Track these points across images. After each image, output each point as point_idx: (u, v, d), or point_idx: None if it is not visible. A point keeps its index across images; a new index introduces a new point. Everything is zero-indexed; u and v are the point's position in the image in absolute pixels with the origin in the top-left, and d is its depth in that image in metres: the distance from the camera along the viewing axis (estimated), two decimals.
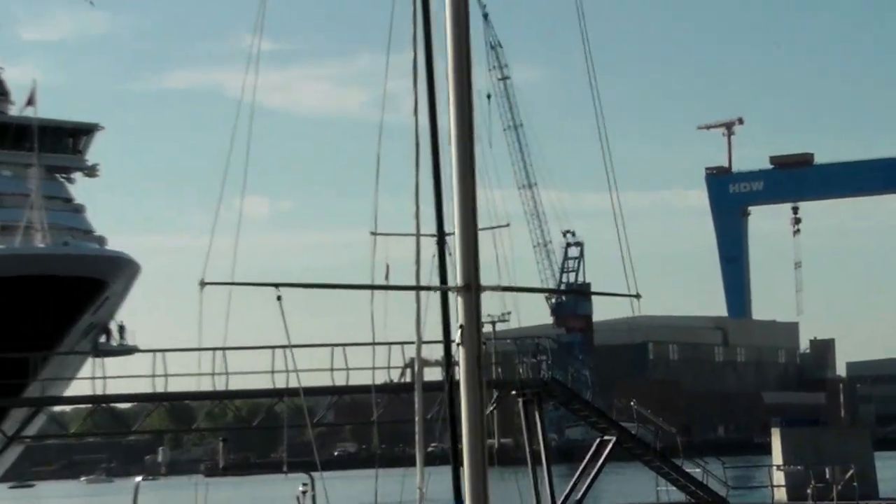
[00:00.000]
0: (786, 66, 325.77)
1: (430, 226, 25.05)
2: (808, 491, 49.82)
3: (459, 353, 12.88)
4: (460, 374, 12.88)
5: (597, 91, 15.89)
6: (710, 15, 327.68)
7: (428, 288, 18.16)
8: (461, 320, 12.97)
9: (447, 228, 25.49)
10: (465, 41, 13.39)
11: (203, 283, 14.89)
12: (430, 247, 23.77)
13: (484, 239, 23.98)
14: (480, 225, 23.13)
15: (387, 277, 23.31)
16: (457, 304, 13.10)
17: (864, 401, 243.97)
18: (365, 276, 22.50)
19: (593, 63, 15.44)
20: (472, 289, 12.93)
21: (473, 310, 12.88)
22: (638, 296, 15.71)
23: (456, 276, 13.20)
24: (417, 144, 22.26)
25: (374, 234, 23.06)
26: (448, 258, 25.39)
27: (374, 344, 43.99)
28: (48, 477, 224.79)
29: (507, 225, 24.70)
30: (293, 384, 48.67)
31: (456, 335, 12.90)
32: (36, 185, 69.99)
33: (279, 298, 14.45)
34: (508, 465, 37.57)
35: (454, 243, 13.37)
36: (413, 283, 22.24)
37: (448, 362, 28.49)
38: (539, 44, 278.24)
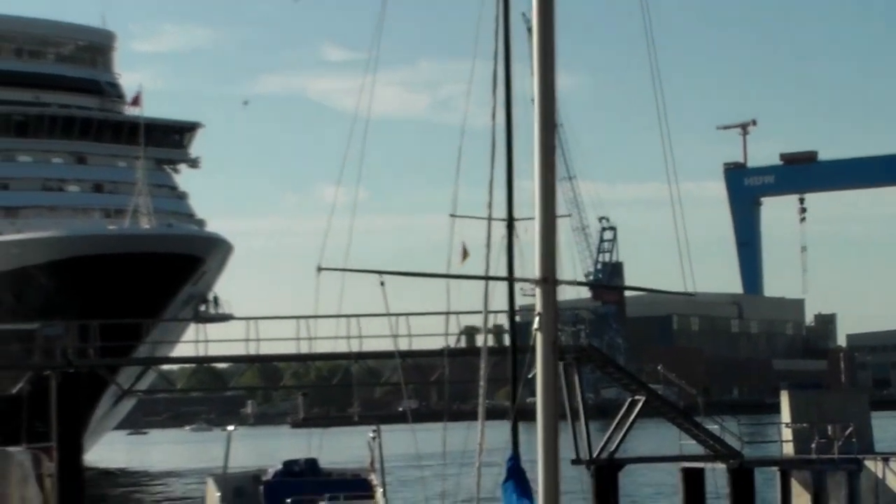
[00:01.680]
0: (795, 72, 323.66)
1: (502, 212, 25.10)
2: (812, 446, 49.43)
3: (537, 338, 12.80)
4: (538, 357, 12.88)
5: (661, 95, 15.68)
6: (728, 23, 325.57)
7: (505, 279, 18.16)
8: (539, 309, 12.83)
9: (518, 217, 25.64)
10: (550, 46, 13.24)
11: (320, 269, 15.22)
12: (501, 230, 23.77)
13: (530, 226, 23.93)
14: (531, 214, 23.05)
15: (465, 256, 23.48)
16: (535, 294, 13.02)
17: (861, 367, 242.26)
18: (433, 255, 22.65)
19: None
20: (550, 282, 12.82)
21: (550, 301, 12.79)
22: (693, 294, 15.48)
23: (516, 260, 13.16)
24: (494, 138, 22.59)
25: (452, 216, 23.33)
26: (514, 242, 25.45)
27: (447, 313, 44.18)
28: (157, 426, 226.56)
29: (569, 215, 24.78)
30: (366, 349, 48.83)
31: (535, 321, 12.79)
32: (143, 174, 70.40)
33: (382, 284, 15.17)
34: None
35: (530, 235, 13.26)
36: (486, 264, 22.40)
37: (513, 334, 28.50)
38: (579, 53, 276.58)
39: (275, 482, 24.41)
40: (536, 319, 12.82)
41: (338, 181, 16.89)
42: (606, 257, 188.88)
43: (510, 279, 21.18)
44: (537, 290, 12.85)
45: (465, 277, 17.39)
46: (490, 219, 23.69)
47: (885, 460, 47.79)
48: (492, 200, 23.62)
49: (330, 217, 16.42)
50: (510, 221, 25.74)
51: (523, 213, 25.83)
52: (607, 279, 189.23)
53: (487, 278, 16.63)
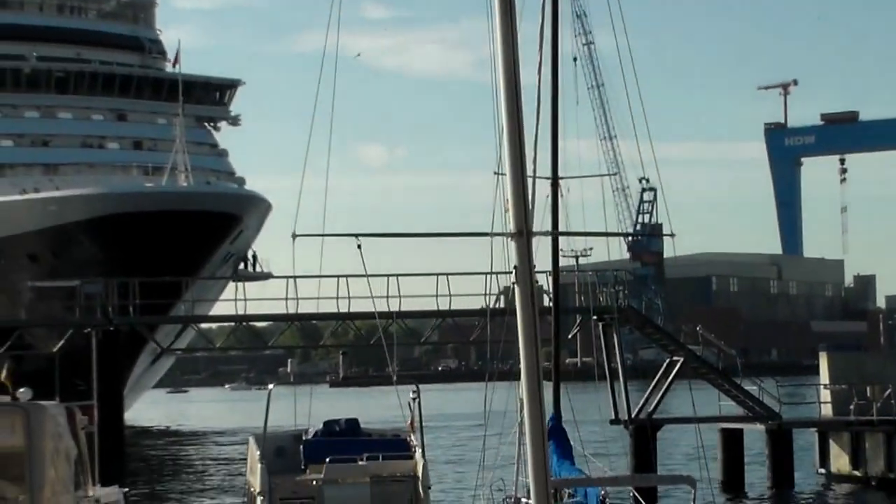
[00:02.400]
0: (836, 32, 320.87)
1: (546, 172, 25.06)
2: (851, 407, 49.27)
3: (515, 292, 12.83)
4: (517, 311, 12.84)
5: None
6: None
7: (483, 234, 18.16)
8: (515, 262, 12.86)
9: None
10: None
11: (294, 236, 15.23)
12: (544, 189, 23.76)
13: (573, 186, 23.88)
14: (574, 173, 22.83)
15: (505, 213, 23.48)
16: (509, 248, 13.04)
17: None
18: (477, 214, 22.69)
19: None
20: (524, 234, 12.86)
21: (525, 254, 12.79)
22: (672, 235, 15.62)
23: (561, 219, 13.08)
24: (539, 97, 22.63)
25: (496, 173, 23.41)
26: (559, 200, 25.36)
27: (484, 273, 44.16)
28: (197, 384, 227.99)
29: (616, 173, 24.75)
30: (405, 308, 48.82)
31: (512, 275, 12.82)
32: (181, 132, 70.41)
33: (359, 246, 14.91)
34: (590, 380, 37.41)
35: (575, 194, 13.24)
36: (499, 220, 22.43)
37: (556, 292, 28.40)
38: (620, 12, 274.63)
39: (314, 442, 24.43)
40: (513, 273, 12.74)
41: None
42: (646, 218, 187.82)
43: (490, 234, 21.27)
44: (513, 244, 12.79)
45: (447, 235, 17.27)
46: (535, 177, 23.65)
47: None
48: (536, 158, 23.60)
49: (302, 177, 16.31)
50: (555, 180, 25.66)
51: (568, 173, 25.74)
52: (647, 241, 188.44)
53: (461, 234, 16.59)
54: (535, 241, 13.11)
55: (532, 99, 24.48)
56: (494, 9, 12.77)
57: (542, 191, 23.59)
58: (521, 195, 12.83)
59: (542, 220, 22.14)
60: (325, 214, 15.66)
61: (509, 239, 12.91)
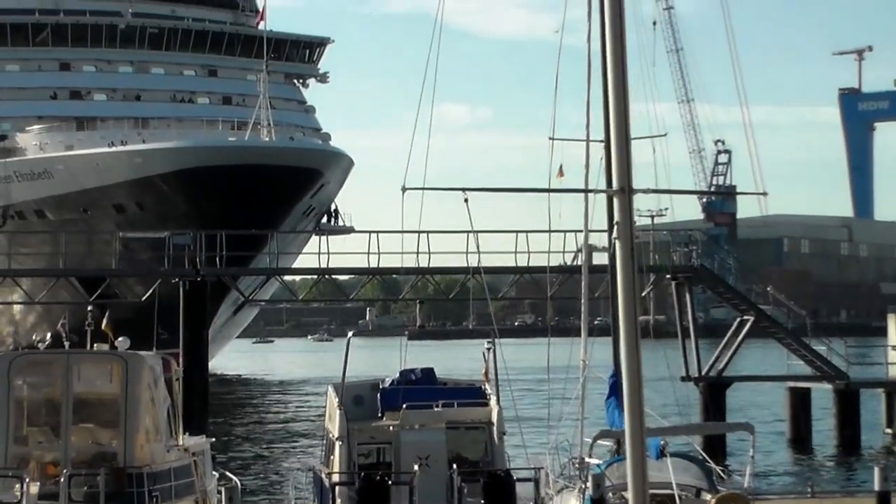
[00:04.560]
0: None
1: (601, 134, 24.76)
2: None
3: (616, 247, 12.75)
4: (618, 266, 12.78)
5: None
6: None
7: (590, 190, 17.95)
8: (617, 218, 12.80)
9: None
10: None
11: (404, 189, 15.28)
12: (599, 151, 23.47)
13: (645, 146, 23.70)
14: (640, 134, 22.67)
15: (560, 174, 23.46)
16: (613, 204, 13.00)
17: None
18: (545, 176, 22.54)
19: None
20: (627, 191, 12.80)
21: (627, 209, 12.80)
22: (765, 193, 15.44)
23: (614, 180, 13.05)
24: (589, 62, 22.49)
25: (551, 139, 23.55)
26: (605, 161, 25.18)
27: (549, 231, 44.06)
28: (280, 335, 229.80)
29: (665, 135, 24.27)
30: (483, 264, 48.67)
31: (614, 231, 12.77)
32: (264, 88, 70.46)
33: (466, 200, 14.99)
34: (662, 338, 37.14)
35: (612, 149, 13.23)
36: (583, 184, 22.28)
37: (612, 251, 28.09)
38: None
39: (391, 389, 24.46)
40: (615, 229, 12.83)
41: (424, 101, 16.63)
42: (720, 180, 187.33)
43: (585, 191, 21.30)
44: (616, 200, 12.85)
45: (540, 191, 17.40)
46: (588, 140, 23.48)
47: None
48: (589, 122, 23.42)
49: (412, 137, 16.38)
50: (608, 143, 25.41)
51: (634, 133, 25.41)
52: (721, 202, 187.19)
53: (562, 191, 16.56)
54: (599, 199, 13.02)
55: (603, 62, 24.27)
56: None
57: (595, 153, 23.38)
58: (624, 154, 12.81)
59: (596, 183, 21.98)
60: (426, 170, 15.76)
61: (596, 199, 12.92)
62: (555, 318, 54.46)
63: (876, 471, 25.38)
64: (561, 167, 23.55)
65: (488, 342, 24.15)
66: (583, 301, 24.12)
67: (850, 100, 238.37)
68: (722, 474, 21.56)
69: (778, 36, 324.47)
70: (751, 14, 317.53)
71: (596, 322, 26.06)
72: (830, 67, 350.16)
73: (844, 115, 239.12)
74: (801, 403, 48.99)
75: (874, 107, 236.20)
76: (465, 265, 45.20)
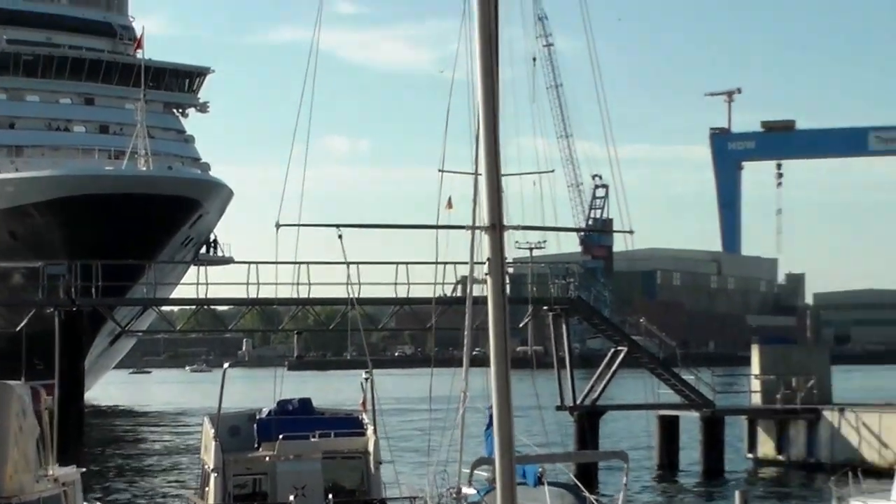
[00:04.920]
0: (779, 44, 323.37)
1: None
2: (778, 396, 50.60)
3: (487, 283, 12.78)
4: (489, 301, 12.78)
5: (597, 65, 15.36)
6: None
7: (454, 227, 17.93)
8: (488, 254, 12.78)
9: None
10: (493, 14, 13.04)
11: (278, 225, 15.23)
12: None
13: (527, 181, 23.71)
14: (525, 169, 22.66)
15: (449, 206, 23.46)
16: (482, 240, 13.00)
17: (825, 325, 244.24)
18: (433, 208, 22.58)
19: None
20: (498, 228, 12.89)
21: (498, 247, 12.81)
22: (631, 231, 15.60)
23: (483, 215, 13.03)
24: (475, 98, 22.50)
25: (441, 171, 23.65)
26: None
27: (436, 263, 44.07)
28: (158, 366, 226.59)
29: (553, 171, 24.50)
30: (363, 295, 48.40)
31: (485, 267, 12.73)
32: (142, 116, 69.51)
33: (340, 237, 15.01)
34: (541, 368, 37.28)
35: (513, 189, 13.23)
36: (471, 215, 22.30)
37: (502, 283, 28.21)
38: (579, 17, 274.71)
39: (267, 420, 24.13)
40: (486, 265, 12.79)
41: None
42: (598, 213, 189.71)
43: (450, 226, 21.43)
44: (487, 237, 12.85)
45: (425, 227, 17.37)
46: (476, 174, 23.51)
47: (841, 411, 49.05)
48: (477, 156, 23.45)
49: (286, 172, 16.23)
50: (476, 180, 25.45)
51: (509, 170, 25.53)
52: (598, 236, 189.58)
53: (435, 227, 16.58)
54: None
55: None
56: (474, 11, 12.68)
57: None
58: (495, 191, 12.88)
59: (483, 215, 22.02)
60: (301, 206, 15.63)
61: (482, 232, 12.85)
62: (434, 349, 54.28)
63: (737, 494, 26.06)
64: (450, 199, 23.58)
65: (366, 373, 23.96)
66: (465, 332, 24.08)
67: (720, 139, 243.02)
68: (595, 502, 21.63)
69: (654, 76, 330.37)
70: (629, 53, 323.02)
71: (475, 352, 26.04)
72: (703, 108, 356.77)
73: (715, 153, 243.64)
74: (669, 431, 50.06)
75: (742, 146, 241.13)
76: (346, 296, 44.97)
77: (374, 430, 23.54)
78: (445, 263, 47.79)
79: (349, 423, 24.18)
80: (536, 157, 22.89)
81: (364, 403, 24.20)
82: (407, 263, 50.12)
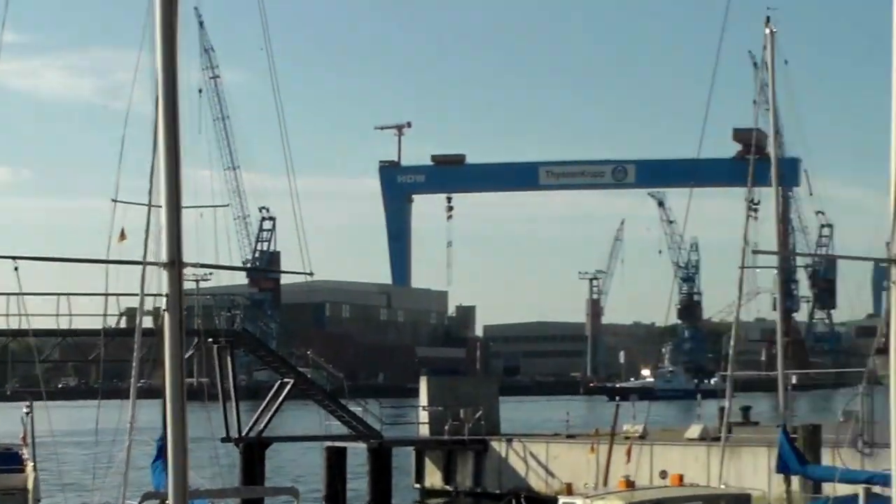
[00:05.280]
0: (450, 79, 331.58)
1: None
2: (446, 427, 51.53)
3: (165, 318, 13.04)
4: (165, 336, 13.04)
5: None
6: (392, 25, 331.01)
7: (133, 262, 18.25)
8: (166, 290, 13.05)
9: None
10: (172, 40, 13.43)
11: None
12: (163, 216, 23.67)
13: (195, 213, 24.13)
14: (194, 203, 23.18)
15: (122, 237, 23.52)
16: (161, 277, 13.21)
17: (495, 356, 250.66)
18: (104, 238, 22.56)
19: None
20: (177, 265, 13.10)
21: (177, 283, 13.03)
22: (311, 273, 16.24)
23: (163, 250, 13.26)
24: (156, 128, 22.69)
25: (114, 201, 23.50)
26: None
27: (106, 294, 43.54)
28: None
29: (228, 205, 24.95)
30: (25, 326, 47.33)
31: (162, 302, 13.07)
32: None
33: (16, 269, 14.84)
34: (205, 400, 37.53)
35: (190, 221, 13.49)
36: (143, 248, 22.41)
37: (161, 321, 28.27)
38: (248, 50, 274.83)
39: None
40: (164, 300, 13.05)
41: None
42: (265, 246, 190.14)
43: (144, 263, 21.66)
44: (165, 273, 13.06)
45: (102, 262, 17.45)
46: (150, 205, 23.67)
47: (509, 441, 50.44)
48: (152, 188, 23.60)
49: None
50: (148, 212, 25.65)
51: (185, 202, 25.83)
52: (265, 267, 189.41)
53: (112, 262, 16.78)
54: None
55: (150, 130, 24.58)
56: (157, 43, 12.88)
57: (157, 219, 23.65)
58: (175, 227, 13.06)
59: (159, 247, 22.24)
60: None
61: (161, 268, 12.98)
62: (99, 380, 53.51)
63: None
64: (123, 230, 23.54)
65: (27, 406, 23.74)
66: (134, 364, 24.19)
67: (390, 172, 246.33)
68: None
69: (326, 109, 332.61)
70: (299, 85, 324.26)
71: (140, 384, 26.19)
72: (373, 141, 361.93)
73: (385, 186, 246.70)
74: (337, 462, 50.54)
75: (412, 179, 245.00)
76: (7, 327, 43.95)
77: (35, 466, 23.29)
78: (117, 295, 47.40)
79: (7, 459, 23.80)
80: (211, 189, 23.26)
81: (24, 437, 23.95)
82: (69, 294, 49.31)
